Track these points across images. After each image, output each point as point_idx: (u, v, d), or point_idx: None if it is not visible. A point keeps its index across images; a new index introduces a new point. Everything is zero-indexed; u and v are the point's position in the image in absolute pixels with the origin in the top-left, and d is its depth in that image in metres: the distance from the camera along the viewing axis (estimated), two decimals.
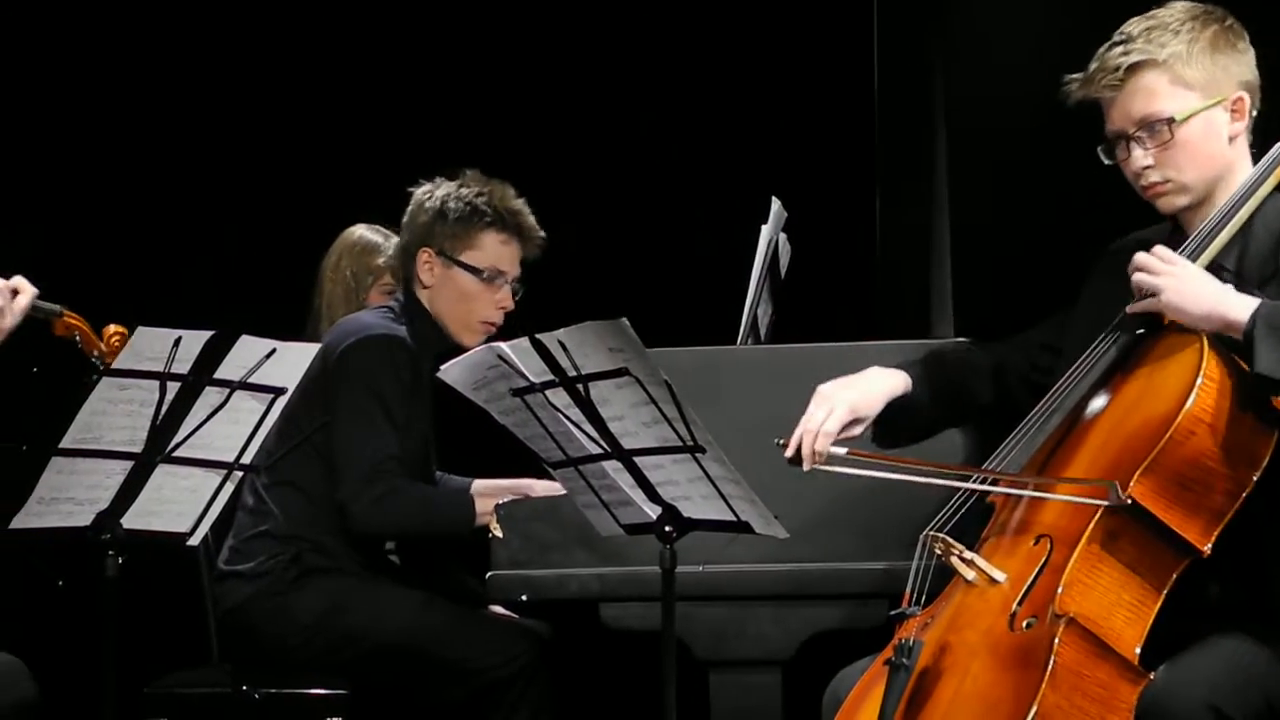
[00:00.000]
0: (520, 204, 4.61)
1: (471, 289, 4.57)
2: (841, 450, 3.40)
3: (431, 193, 4.60)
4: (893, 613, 3.32)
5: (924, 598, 3.31)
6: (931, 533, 3.29)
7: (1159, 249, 3.30)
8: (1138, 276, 3.29)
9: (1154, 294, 3.26)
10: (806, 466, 3.43)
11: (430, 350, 4.53)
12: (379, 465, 4.37)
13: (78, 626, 4.73)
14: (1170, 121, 3.36)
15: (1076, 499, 3.21)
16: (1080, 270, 3.64)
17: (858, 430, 3.48)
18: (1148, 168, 3.39)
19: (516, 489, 4.42)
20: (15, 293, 3.69)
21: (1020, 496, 3.32)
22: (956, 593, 3.32)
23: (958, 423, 3.72)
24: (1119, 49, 3.40)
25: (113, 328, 3.83)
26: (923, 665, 3.20)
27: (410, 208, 4.62)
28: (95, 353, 3.80)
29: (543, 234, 4.63)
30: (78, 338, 3.82)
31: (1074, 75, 3.44)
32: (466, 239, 4.56)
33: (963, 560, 3.26)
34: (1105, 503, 3.16)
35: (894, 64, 5.47)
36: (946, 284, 5.24)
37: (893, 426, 3.55)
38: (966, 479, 3.36)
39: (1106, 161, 3.45)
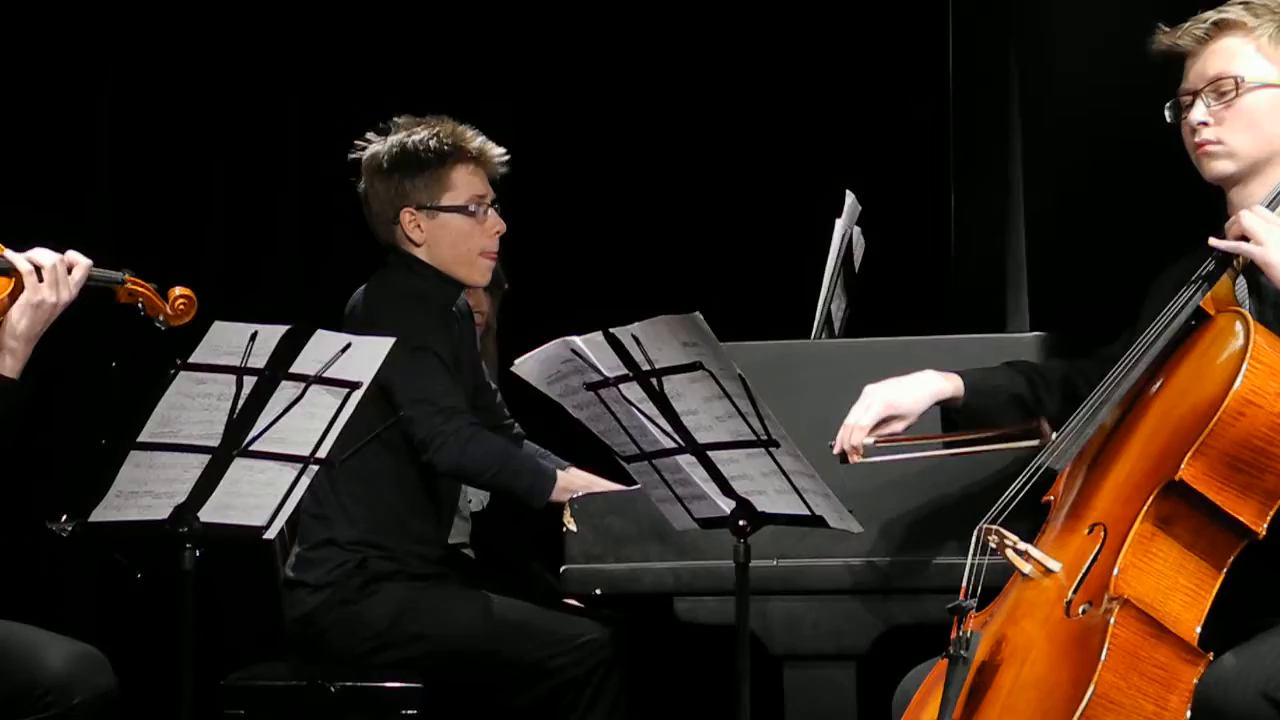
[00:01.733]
0: (468, 129, 4.55)
1: (463, 227, 4.53)
2: (870, 440, 3.47)
3: (379, 153, 4.54)
4: (949, 606, 3.31)
5: (986, 591, 3.31)
6: (986, 525, 3.30)
7: (1259, 209, 3.32)
8: (1245, 220, 3.29)
9: (1256, 243, 3.27)
10: (851, 461, 3.51)
11: (449, 301, 4.52)
12: (451, 405, 4.36)
13: (156, 619, 4.77)
14: (1239, 82, 3.41)
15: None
16: (1156, 263, 3.63)
17: (898, 427, 3.55)
18: (1204, 124, 3.44)
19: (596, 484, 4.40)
20: (70, 267, 3.67)
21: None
22: (1014, 585, 3.34)
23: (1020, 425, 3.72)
24: (1217, 10, 3.47)
25: (178, 290, 3.79)
26: (981, 657, 3.22)
27: (365, 177, 4.56)
28: (160, 317, 3.77)
29: (501, 150, 4.57)
30: (141, 304, 3.77)
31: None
32: (439, 184, 4.52)
33: (1017, 553, 3.28)
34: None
35: (969, 54, 5.44)
36: (1022, 277, 5.21)
37: (951, 426, 3.61)
38: (985, 441, 3.41)
39: (1169, 119, 3.48)
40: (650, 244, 5.74)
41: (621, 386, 3.41)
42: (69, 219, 5.38)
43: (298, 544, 4.50)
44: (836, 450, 3.54)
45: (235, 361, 3.38)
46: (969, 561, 3.30)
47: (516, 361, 3.52)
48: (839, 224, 4.39)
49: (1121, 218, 5.06)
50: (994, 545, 3.28)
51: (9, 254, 3.66)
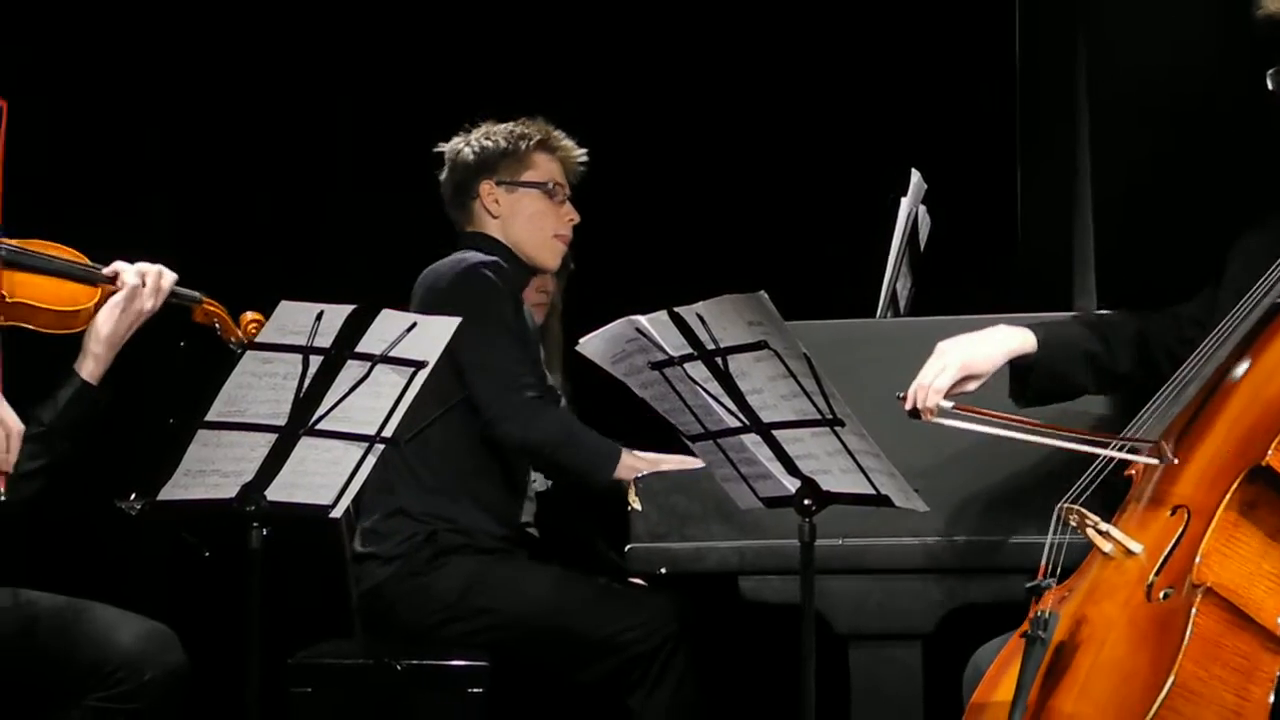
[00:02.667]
0: (555, 129, 4.71)
1: (540, 206, 4.64)
2: (949, 404, 3.43)
3: (466, 140, 4.69)
4: (1029, 585, 3.30)
5: (1061, 571, 3.30)
6: (1066, 505, 3.27)
7: None
8: None
9: None
10: (924, 419, 3.47)
11: (519, 285, 4.57)
12: (519, 376, 4.39)
13: (225, 597, 4.79)
14: None
15: (1141, 459, 3.19)
16: (1225, 240, 3.60)
17: (972, 386, 3.51)
18: None
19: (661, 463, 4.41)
20: (159, 276, 3.74)
21: (1146, 463, 3.30)
22: (1093, 565, 3.31)
23: (1095, 389, 3.69)
24: None
25: (250, 315, 3.87)
26: (1059, 638, 3.19)
27: (448, 164, 4.70)
28: (233, 339, 3.85)
29: (582, 151, 4.72)
30: (216, 325, 3.87)
31: None
32: (522, 162, 4.65)
33: (1099, 532, 3.25)
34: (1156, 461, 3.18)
35: (1036, 30, 5.41)
36: (1089, 254, 5.18)
37: (1022, 385, 3.56)
38: (1067, 438, 3.36)
39: (1271, 87, 3.42)
40: (715, 223, 5.73)
41: (686, 366, 3.41)
42: (129, 230, 5.42)
43: (366, 517, 4.53)
44: (908, 406, 3.50)
45: (301, 341, 3.40)
46: (1048, 540, 3.27)
47: (581, 341, 3.52)
48: (904, 202, 4.37)
49: (1188, 194, 5.03)
50: (1074, 524, 3.26)
51: (119, 264, 3.75)
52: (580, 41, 5.86)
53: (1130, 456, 3.30)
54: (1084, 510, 3.26)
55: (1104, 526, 3.25)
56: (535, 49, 5.83)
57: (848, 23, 5.78)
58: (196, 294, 3.86)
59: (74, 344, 3.75)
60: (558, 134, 4.71)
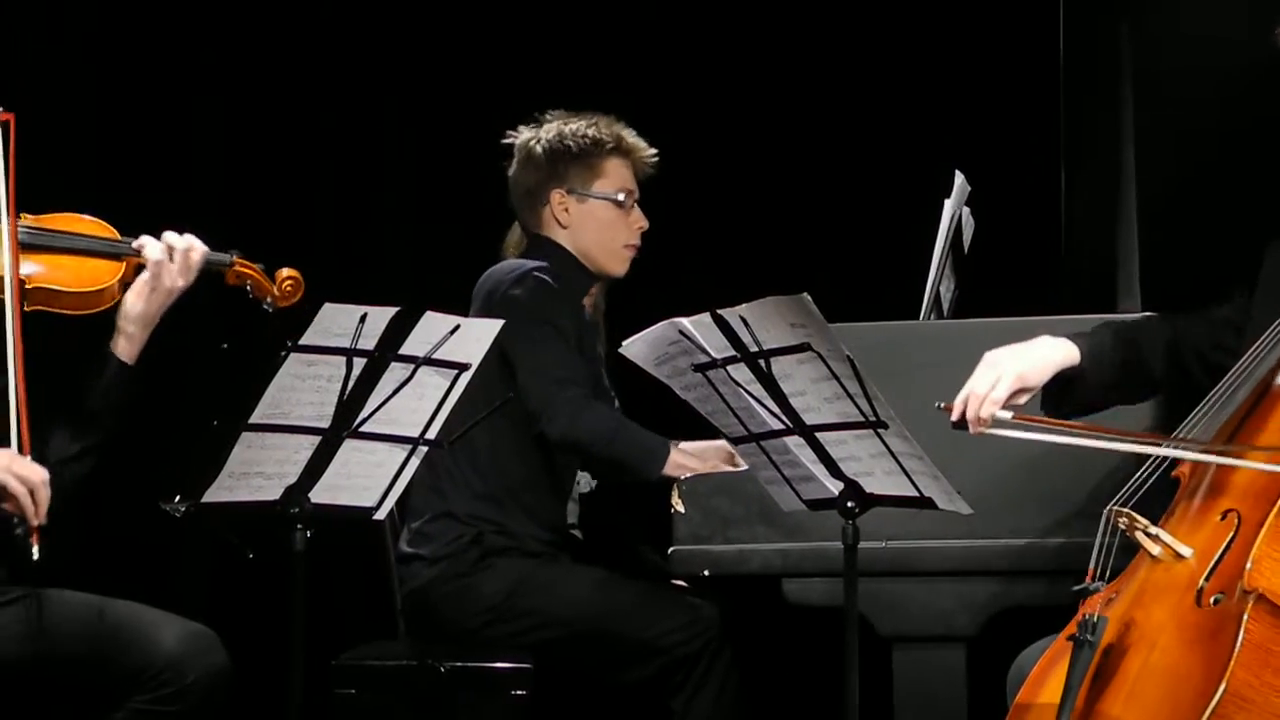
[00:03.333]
0: (625, 127, 4.67)
1: (610, 217, 4.62)
2: (1007, 414, 3.40)
3: (536, 137, 4.64)
4: (1076, 588, 3.28)
5: (1108, 573, 3.28)
6: (1115, 508, 3.25)
7: None
8: None
9: None
10: (972, 431, 3.42)
11: (581, 292, 4.57)
12: (568, 376, 4.39)
13: (268, 599, 4.80)
14: None
15: (1264, 466, 3.17)
16: (1265, 242, 3.58)
17: (1023, 399, 3.47)
18: None
19: (709, 454, 4.40)
20: (189, 252, 3.69)
21: (1198, 462, 3.27)
22: (1141, 568, 3.28)
23: (1129, 399, 3.67)
24: None
25: (285, 271, 3.81)
26: (1107, 641, 3.17)
27: (518, 158, 4.66)
28: (268, 299, 3.79)
29: (653, 150, 4.68)
30: (249, 286, 3.80)
31: None
32: (593, 170, 4.62)
33: (1148, 535, 3.23)
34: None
35: (1080, 32, 5.40)
36: (1133, 257, 5.17)
37: (1059, 397, 3.53)
38: (1131, 442, 3.34)
39: None
40: (758, 225, 5.72)
41: (729, 368, 3.41)
42: (178, 201, 5.42)
43: (414, 518, 4.54)
44: (955, 417, 3.45)
45: (345, 343, 3.40)
46: (1097, 543, 3.25)
47: (624, 343, 3.52)
48: (948, 204, 4.36)
49: (1233, 195, 5.01)
50: (1123, 527, 3.24)
51: (144, 239, 3.68)
52: (624, 42, 5.85)
53: (1200, 456, 3.25)
54: (1133, 513, 3.23)
55: (1153, 530, 3.22)
56: (581, 48, 5.82)
57: (892, 23, 5.76)
58: (227, 256, 3.77)
59: (110, 318, 3.69)
60: (629, 134, 4.67)
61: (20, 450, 3.43)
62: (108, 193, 5.15)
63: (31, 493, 3.40)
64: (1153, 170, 5.18)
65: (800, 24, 5.80)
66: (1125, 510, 3.24)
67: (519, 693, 4.37)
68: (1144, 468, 3.31)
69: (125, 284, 3.67)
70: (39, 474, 3.41)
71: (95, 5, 5.55)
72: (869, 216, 5.67)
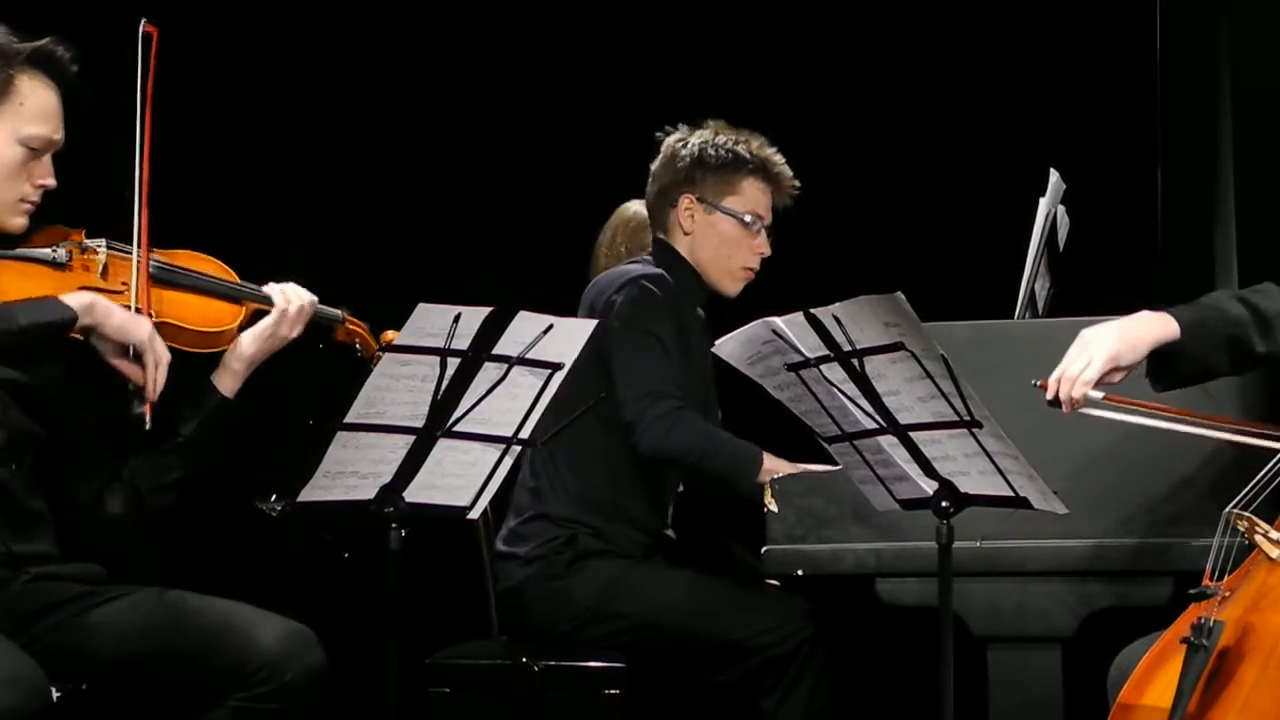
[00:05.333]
0: (775, 152, 4.64)
1: (734, 235, 4.59)
2: (1098, 394, 3.37)
3: (685, 140, 4.62)
4: (1192, 590, 3.24)
5: (1222, 577, 3.24)
6: (1235, 510, 3.21)
7: None
8: None
9: None
10: (1065, 411, 3.39)
11: (693, 301, 4.56)
12: (662, 387, 4.38)
13: (364, 597, 4.83)
14: None
15: None
16: None
17: (1118, 378, 3.44)
18: None
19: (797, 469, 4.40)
20: (303, 306, 3.77)
21: None
22: (1259, 571, 3.23)
23: (1231, 371, 3.61)
24: None
25: (390, 333, 3.87)
26: (1222, 645, 3.12)
27: (663, 156, 4.64)
28: (374, 358, 3.87)
29: (797, 182, 4.65)
30: (357, 344, 3.89)
31: None
32: (729, 185, 4.59)
33: (1269, 539, 3.18)
34: None
35: (1178, 27, 5.36)
36: (1231, 254, 5.12)
37: (1161, 373, 3.49)
38: (1223, 429, 3.30)
39: None
40: (853, 223, 5.71)
41: (823, 367, 3.40)
42: (270, 246, 5.48)
43: (511, 516, 4.56)
44: (1049, 396, 3.44)
45: (439, 343, 3.42)
46: (1215, 544, 3.21)
47: (718, 343, 3.52)
48: (1043, 202, 4.34)
49: None
50: (1243, 530, 3.20)
51: (271, 287, 3.77)
52: (718, 43, 5.85)
53: None
54: (1253, 516, 3.19)
55: (1275, 534, 3.18)
56: (674, 51, 5.83)
57: (987, 22, 5.74)
58: (339, 313, 3.87)
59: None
60: (776, 159, 4.63)
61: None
62: (204, 217, 5.22)
63: (156, 367, 3.52)
64: (1250, 167, 5.14)
65: (898, 23, 5.79)
66: (1246, 514, 3.19)
67: (612, 692, 4.37)
68: (1266, 470, 3.26)
69: (242, 328, 3.74)
70: (167, 356, 3.54)
71: (187, 42, 5.61)
72: (964, 215, 5.65)
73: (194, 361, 3.73)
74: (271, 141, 5.71)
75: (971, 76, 5.74)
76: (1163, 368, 3.52)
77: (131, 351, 3.53)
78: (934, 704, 3.43)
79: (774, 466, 4.31)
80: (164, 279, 3.68)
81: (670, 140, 4.65)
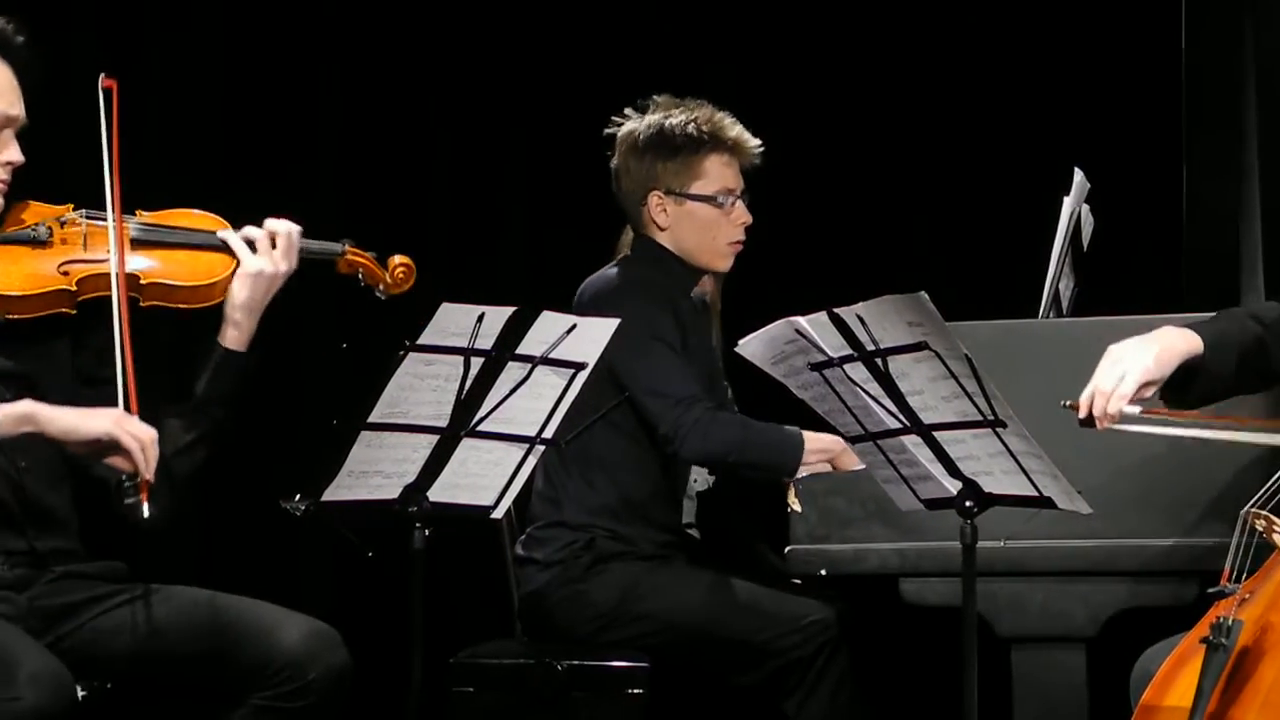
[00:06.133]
0: (728, 118, 4.51)
1: (710, 217, 4.51)
2: (1135, 409, 3.35)
3: (635, 132, 4.52)
4: (1210, 590, 3.22)
5: (1241, 576, 3.23)
6: (1253, 509, 3.20)
7: None
8: None
9: None
10: (1100, 428, 3.37)
11: (684, 288, 4.53)
12: (690, 394, 4.36)
13: (387, 597, 4.84)
14: None
15: None
16: None
17: (1149, 393, 3.42)
18: None
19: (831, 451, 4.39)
20: (289, 235, 3.66)
21: None
22: (1277, 571, 3.22)
23: (1253, 388, 3.60)
24: None
25: (397, 258, 3.78)
26: (1242, 645, 3.11)
27: (618, 154, 4.54)
28: (380, 286, 3.77)
29: (757, 141, 4.52)
30: (360, 274, 3.77)
31: None
32: (691, 171, 4.49)
33: None
34: None
35: (1202, 26, 5.34)
36: (1257, 254, 5.11)
37: (1182, 388, 3.48)
38: (1266, 432, 3.29)
39: None
40: (875, 222, 5.70)
41: (846, 367, 3.40)
42: (295, 193, 5.46)
43: (530, 522, 4.55)
44: (1083, 414, 3.40)
45: (462, 343, 3.42)
46: (1233, 544, 3.20)
47: (740, 342, 3.52)
48: (1067, 202, 4.33)
49: None
50: (1261, 529, 3.19)
51: (228, 233, 3.67)
52: (741, 35, 5.85)
53: None
54: (1270, 515, 3.18)
55: None
56: (699, 47, 5.82)
57: (1011, 20, 5.73)
58: (338, 245, 3.76)
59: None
60: (731, 128, 4.50)
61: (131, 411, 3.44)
62: (226, 189, 5.21)
63: (142, 448, 3.37)
64: (1275, 165, 5.12)
65: (920, 20, 5.78)
66: (1264, 512, 3.18)
67: (635, 692, 4.37)
68: None
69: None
70: (149, 432, 3.38)
71: (218, 21, 5.63)
72: (988, 214, 5.64)
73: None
74: (296, 133, 5.71)
75: (996, 76, 5.73)
76: (1186, 386, 3.49)
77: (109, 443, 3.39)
78: (957, 705, 3.43)
79: (815, 446, 4.29)
80: (147, 240, 3.61)
81: (621, 134, 4.55)
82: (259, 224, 3.70)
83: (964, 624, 3.42)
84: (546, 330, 3.46)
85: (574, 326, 3.48)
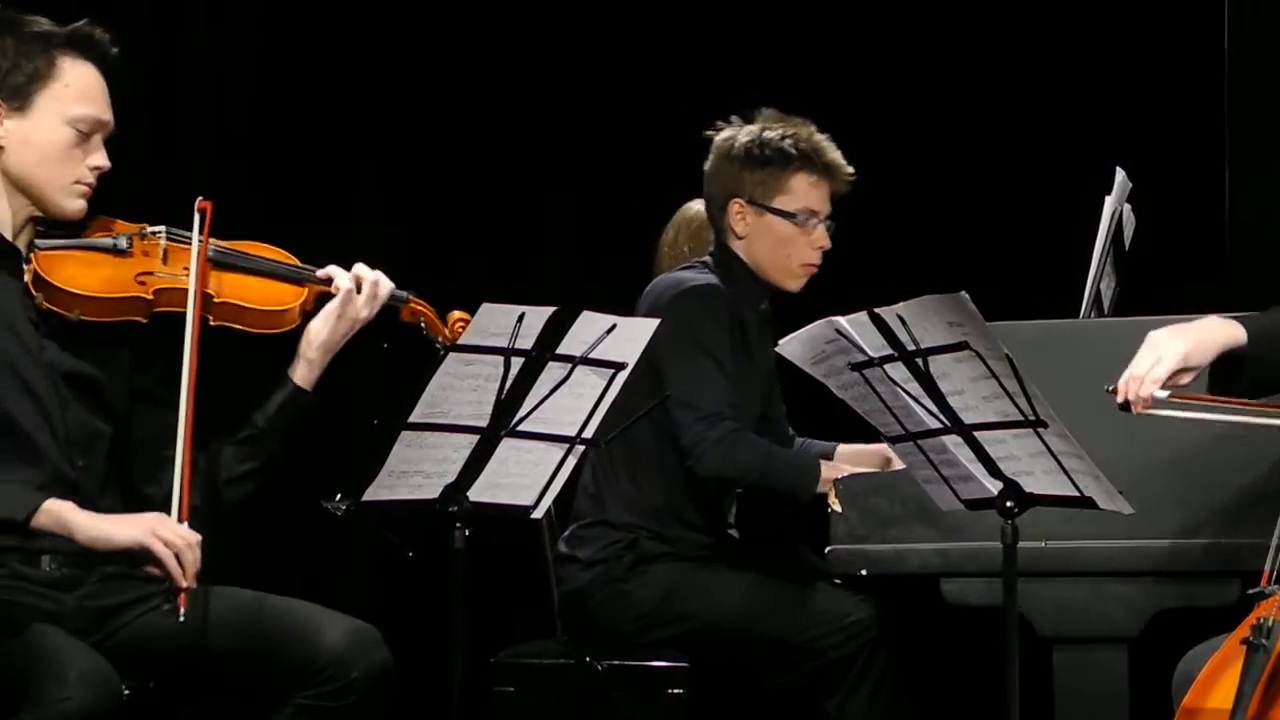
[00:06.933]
0: (825, 140, 4.54)
1: (787, 234, 4.52)
2: (1164, 394, 3.34)
3: (732, 139, 4.53)
4: (1250, 591, 3.22)
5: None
6: None
7: None
8: None
9: None
10: (1134, 412, 3.36)
11: (751, 302, 4.54)
12: (717, 411, 4.36)
13: (428, 597, 4.85)
14: None
15: None
16: None
17: (1186, 379, 3.41)
18: None
19: (862, 457, 4.39)
20: (376, 284, 3.74)
21: None
22: None
23: None
24: None
25: (456, 314, 3.84)
26: None
27: (711, 158, 4.56)
28: (440, 338, 3.84)
29: (851, 170, 4.55)
30: (423, 323, 3.84)
31: None
32: (777, 184, 4.50)
33: None
34: None
35: (1245, 26, 5.33)
36: None
37: (1231, 378, 3.47)
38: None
39: None
40: (918, 222, 5.69)
41: (886, 367, 3.40)
42: (341, 230, 5.50)
43: (573, 520, 4.56)
44: (1120, 399, 3.39)
45: (503, 343, 3.43)
46: (1274, 545, 3.19)
47: (781, 342, 3.52)
48: (1109, 201, 4.32)
49: None
50: None
51: (333, 269, 3.73)
52: (780, 38, 5.85)
53: None
54: None
55: None
56: (737, 46, 5.82)
57: (1055, 20, 5.72)
58: (404, 294, 3.82)
59: (286, 345, 3.76)
60: (826, 148, 4.52)
61: (179, 516, 3.47)
62: (273, 223, 5.25)
63: (178, 556, 3.40)
64: None
65: (963, 20, 5.77)
66: None
67: (675, 692, 4.37)
68: None
69: (306, 311, 3.73)
70: (188, 537, 3.41)
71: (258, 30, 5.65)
72: (1029, 214, 5.63)
73: (268, 347, 3.73)
74: (339, 139, 5.73)
75: (1038, 75, 5.71)
76: (1228, 375, 3.49)
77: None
78: (999, 705, 3.42)
79: (831, 476, 4.30)
80: (223, 262, 3.67)
81: (718, 140, 4.57)
82: (318, 259, 3.76)
83: (1005, 624, 3.41)
84: (586, 330, 3.47)
85: (614, 327, 3.48)
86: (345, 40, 5.73)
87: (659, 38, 5.86)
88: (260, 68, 5.62)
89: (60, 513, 3.43)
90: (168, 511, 3.45)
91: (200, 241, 3.59)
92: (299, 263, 3.76)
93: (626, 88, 5.83)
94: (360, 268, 3.74)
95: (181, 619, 3.41)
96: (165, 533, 3.41)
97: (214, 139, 5.54)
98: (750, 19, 5.86)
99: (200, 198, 3.61)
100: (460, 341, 3.44)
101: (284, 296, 3.71)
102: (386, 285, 3.74)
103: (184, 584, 3.40)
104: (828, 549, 4.08)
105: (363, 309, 3.71)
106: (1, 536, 3.45)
